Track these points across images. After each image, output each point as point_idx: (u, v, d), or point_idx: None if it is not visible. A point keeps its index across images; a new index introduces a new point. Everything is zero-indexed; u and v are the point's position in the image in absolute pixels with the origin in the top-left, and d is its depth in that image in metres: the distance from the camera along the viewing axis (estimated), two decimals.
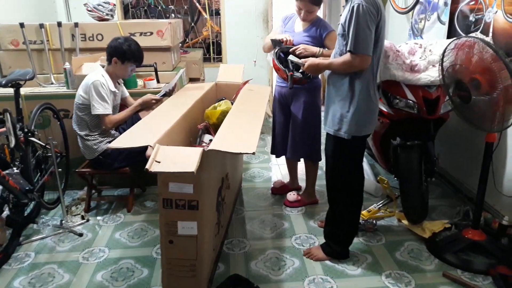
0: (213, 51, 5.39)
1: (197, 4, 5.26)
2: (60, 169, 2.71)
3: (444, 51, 2.25)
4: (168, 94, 2.85)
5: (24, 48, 3.32)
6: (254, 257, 2.37)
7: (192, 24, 5.42)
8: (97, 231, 2.66)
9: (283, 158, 3.06)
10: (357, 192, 2.25)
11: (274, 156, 3.06)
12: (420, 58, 2.58)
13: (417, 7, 3.57)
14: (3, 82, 2.45)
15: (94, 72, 2.72)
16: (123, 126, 2.78)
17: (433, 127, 2.63)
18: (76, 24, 3.36)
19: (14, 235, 2.48)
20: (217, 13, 5.25)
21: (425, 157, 2.54)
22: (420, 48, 2.66)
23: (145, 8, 5.26)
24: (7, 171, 2.29)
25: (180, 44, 4.45)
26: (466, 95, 2.14)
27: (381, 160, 3.04)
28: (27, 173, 2.44)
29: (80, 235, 2.59)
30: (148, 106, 2.80)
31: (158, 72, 3.37)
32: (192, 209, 1.78)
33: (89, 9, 3.59)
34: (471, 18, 2.79)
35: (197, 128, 2.43)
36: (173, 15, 5.28)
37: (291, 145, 2.84)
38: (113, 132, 2.83)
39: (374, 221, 2.63)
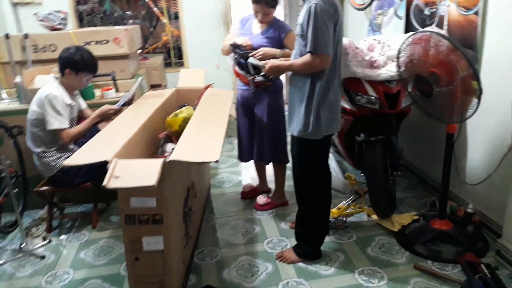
0: (174, 55, 5.29)
1: (155, 9, 5.14)
2: (17, 189, 2.56)
3: (401, 47, 2.28)
4: (128, 103, 2.75)
5: None
6: (226, 265, 2.32)
7: (151, 29, 5.30)
8: (61, 251, 2.53)
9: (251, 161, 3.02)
10: (325, 191, 2.24)
11: None
12: (379, 54, 2.61)
13: (375, 3, 3.62)
14: None
15: (48, 85, 2.59)
16: (82, 139, 2.65)
17: (396, 121, 2.66)
18: (26, 35, 3.20)
19: None
20: (176, 17, 5.16)
21: (389, 152, 2.56)
22: (379, 44, 2.69)
23: (101, 15, 5.10)
24: None
25: (140, 50, 4.34)
26: (428, 89, 2.17)
27: (347, 157, 3.06)
28: None
29: (42, 257, 2.46)
30: (106, 117, 2.69)
31: (117, 81, 3.27)
32: (157, 223, 1.72)
33: (40, 18, 3.44)
34: (426, 11, 2.85)
35: (158, 137, 2.35)
36: (131, 21, 5.14)
37: (257, 149, 2.82)
38: (71, 146, 2.69)
39: (344, 218, 2.63)
